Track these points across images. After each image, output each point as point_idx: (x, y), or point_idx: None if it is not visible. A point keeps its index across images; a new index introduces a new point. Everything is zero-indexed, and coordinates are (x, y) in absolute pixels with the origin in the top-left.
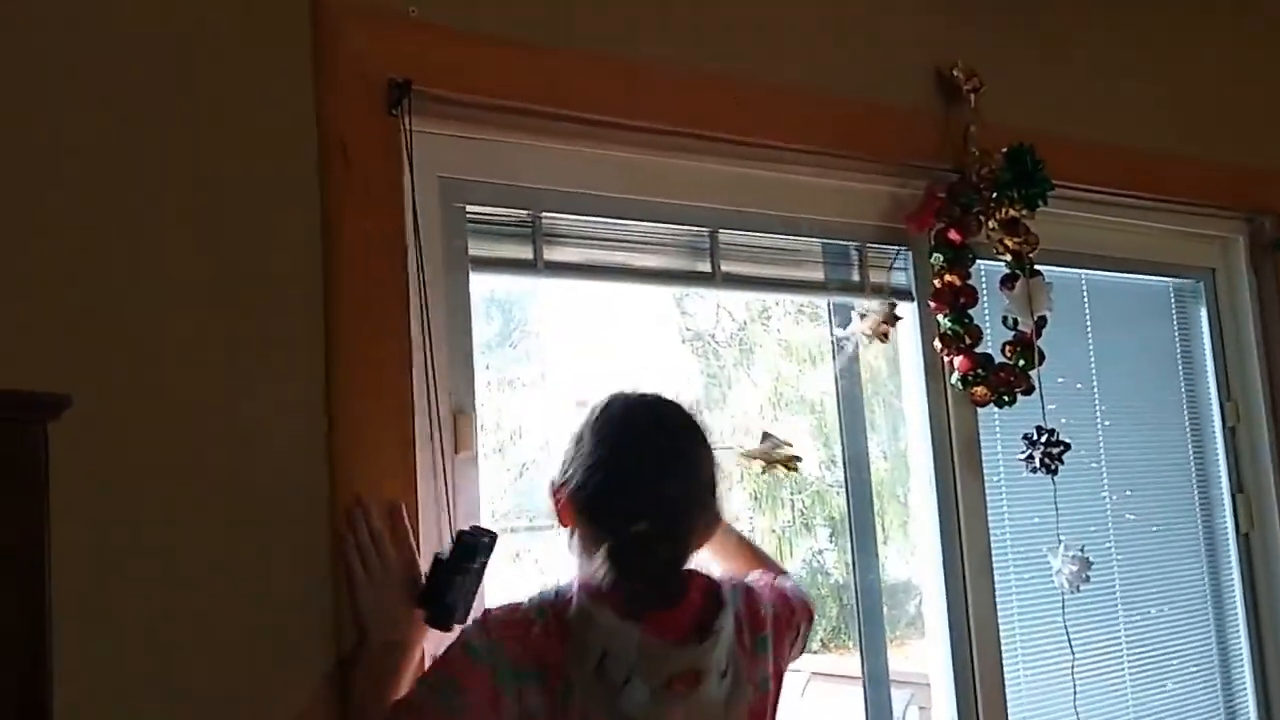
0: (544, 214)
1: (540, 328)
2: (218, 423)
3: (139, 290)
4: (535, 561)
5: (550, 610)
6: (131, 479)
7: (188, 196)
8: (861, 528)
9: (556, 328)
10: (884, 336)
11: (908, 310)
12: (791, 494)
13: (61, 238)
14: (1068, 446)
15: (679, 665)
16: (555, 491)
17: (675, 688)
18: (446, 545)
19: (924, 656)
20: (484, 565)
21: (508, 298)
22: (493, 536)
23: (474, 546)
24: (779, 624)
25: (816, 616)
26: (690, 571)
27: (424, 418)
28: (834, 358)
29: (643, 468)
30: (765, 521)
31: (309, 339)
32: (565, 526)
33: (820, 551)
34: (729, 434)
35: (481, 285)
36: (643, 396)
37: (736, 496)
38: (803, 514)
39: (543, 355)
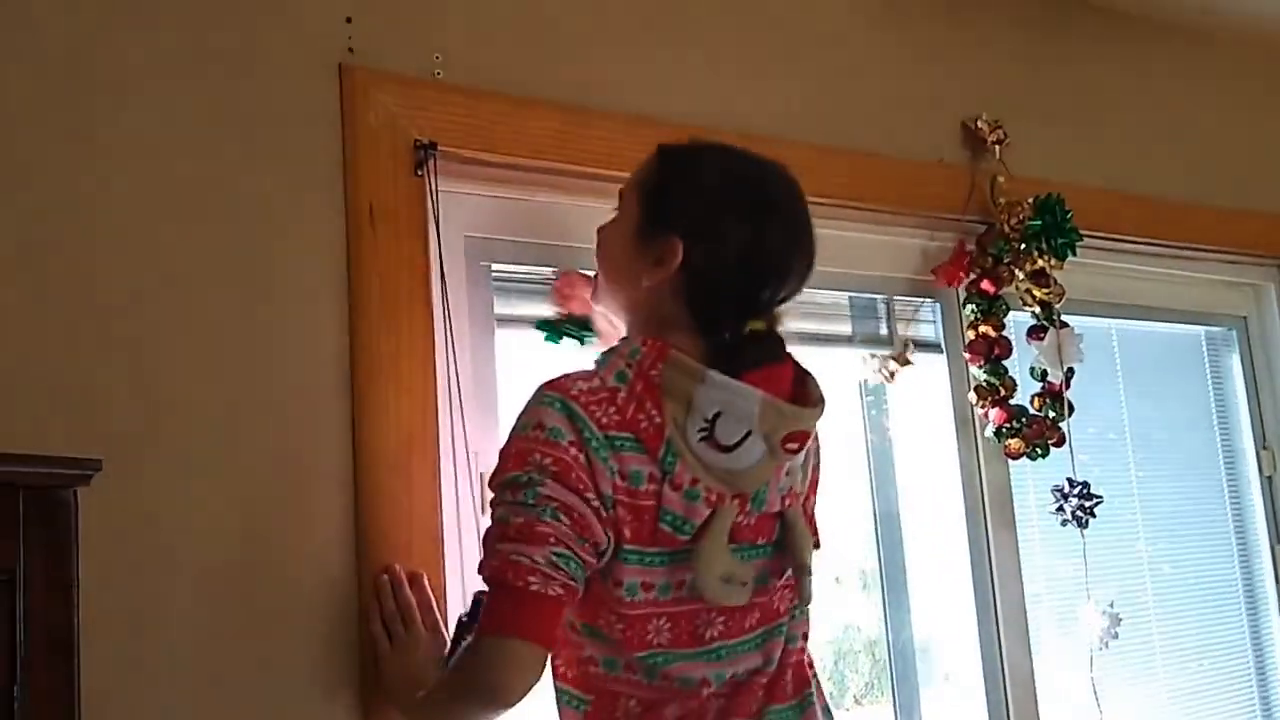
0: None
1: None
2: (246, 487)
3: (170, 353)
4: None
5: (633, 374)
6: (161, 543)
7: (218, 257)
8: (893, 582)
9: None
10: (890, 376)
11: (937, 363)
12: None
13: (95, 301)
14: (1100, 499)
15: (795, 424)
16: (662, 238)
17: (787, 445)
18: (467, 605)
19: (958, 712)
20: None
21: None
22: None
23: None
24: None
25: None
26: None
27: (450, 477)
28: (863, 411)
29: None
30: None
31: (336, 399)
32: (650, 275)
33: (849, 606)
34: None
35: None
36: (750, 157)
37: None
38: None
39: None
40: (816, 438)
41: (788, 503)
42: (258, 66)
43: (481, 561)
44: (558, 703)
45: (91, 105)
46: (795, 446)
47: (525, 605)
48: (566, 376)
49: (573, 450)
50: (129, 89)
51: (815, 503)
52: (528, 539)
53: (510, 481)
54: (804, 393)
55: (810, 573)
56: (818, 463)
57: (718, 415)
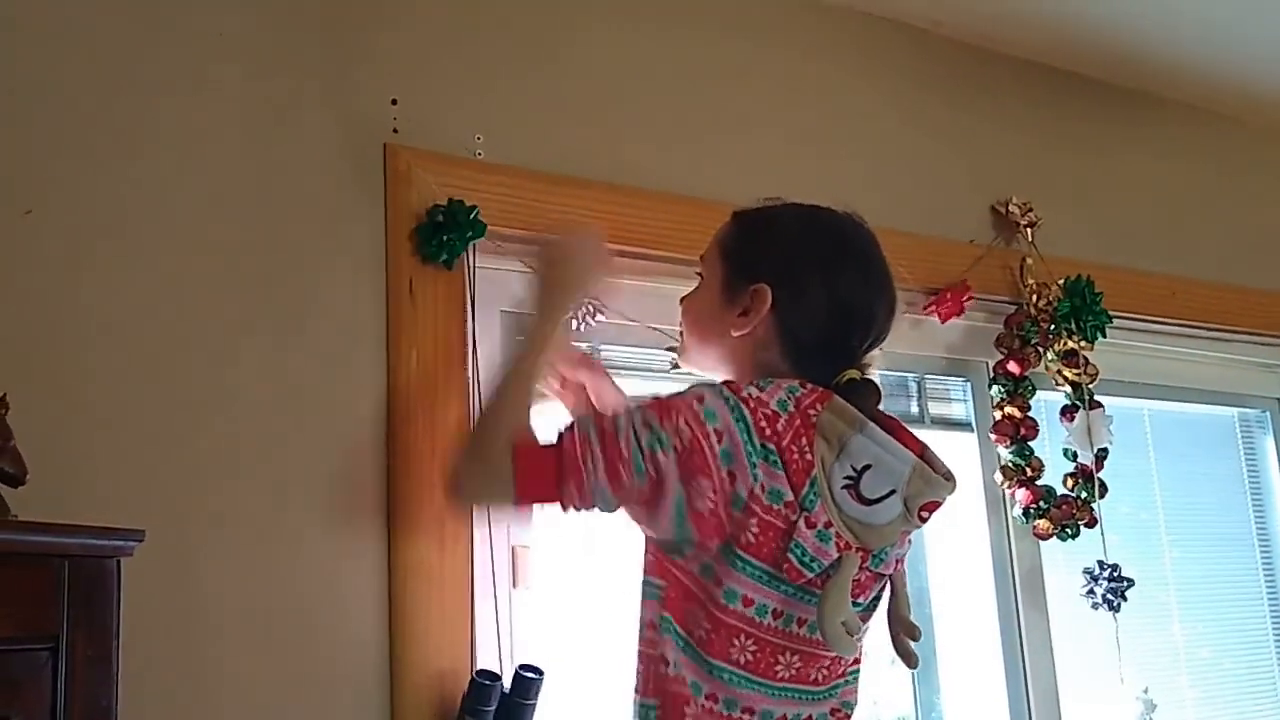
0: (603, 346)
1: None
2: (286, 558)
3: (211, 425)
4: None
5: (795, 406)
6: (203, 614)
7: (260, 328)
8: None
9: None
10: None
11: (968, 442)
12: None
13: (139, 371)
14: (1131, 582)
15: (936, 493)
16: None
17: (922, 513)
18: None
19: None
20: (535, 705)
21: None
22: (541, 674)
23: (528, 684)
24: None
25: None
26: None
27: (484, 552)
28: None
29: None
30: None
31: (372, 474)
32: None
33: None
34: None
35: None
36: (824, 208)
37: None
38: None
39: None
40: None
41: (898, 565)
42: (306, 144)
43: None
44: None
45: (141, 174)
46: (928, 515)
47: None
48: (737, 382)
49: (714, 439)
50: (178, 158)
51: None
52: (609, 459)
53: (645, 420)
54: (936, 462)
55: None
56: None
57: (867, 467)
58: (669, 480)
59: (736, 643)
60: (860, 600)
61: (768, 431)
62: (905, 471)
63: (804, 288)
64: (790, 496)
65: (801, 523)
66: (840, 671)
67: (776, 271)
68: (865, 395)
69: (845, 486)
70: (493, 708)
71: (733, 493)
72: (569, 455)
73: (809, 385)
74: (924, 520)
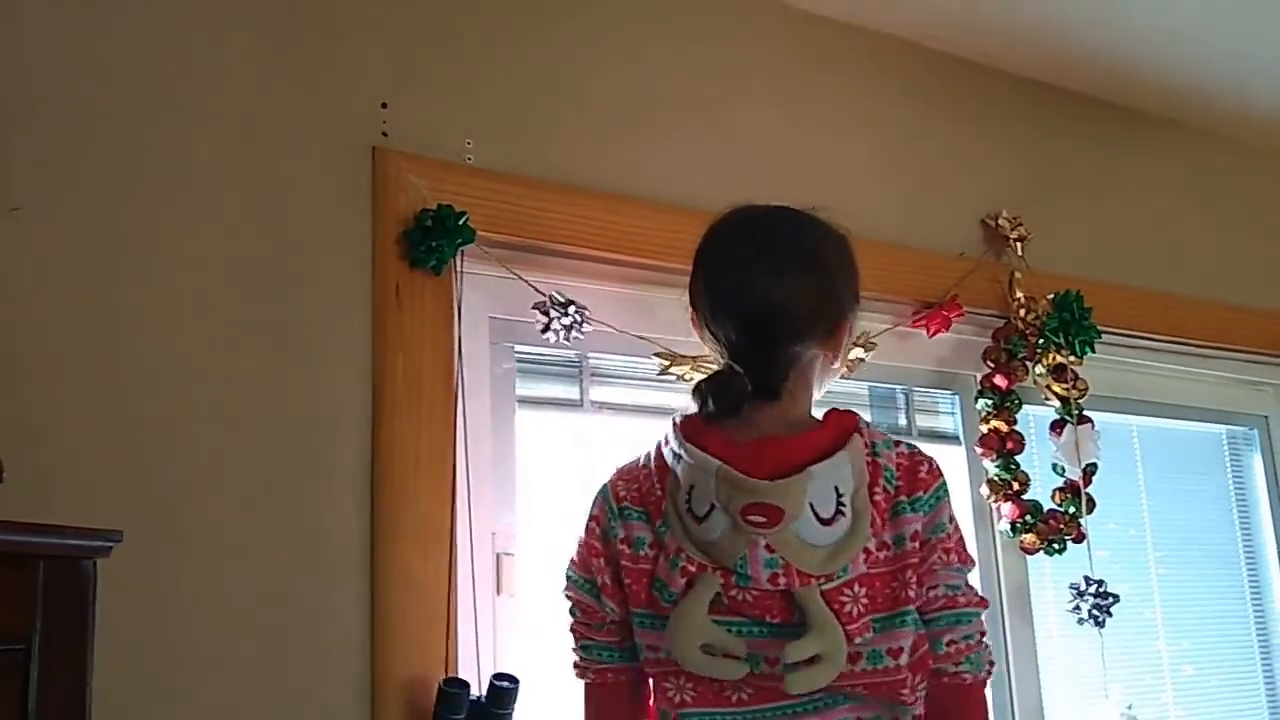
0: (590, 354)
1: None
2: (265, 564)
3: (193, 428)
4: None
5: (654, 452)
6: (180, 617)
7: (244, 330)
8: None
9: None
10: (849, 366)
11: (956, 455)
12: None
13: (119, 374)
14: (1116, 598)
15: (753, 497)
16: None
17: (749, 518)
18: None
19: None
20: (510, 714)
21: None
22: (516, 683)
23: (503, 694)
24: (939, 508)
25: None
26: (835, 410)
27: (466, 558)
28: None
29: (733, 267)
30: None
31: (356, 477)
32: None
33: None
34: None
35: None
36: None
37: None
38: None
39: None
40: (918, 517)
41: (785, 581)
42: (295, 148)
43: None
44: None
45: (130, 178)
46: (761, 520)
47: (584, 695)
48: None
49: (595, 531)
50: (168, 161)
51: (905, 592)
52: (572, 638)
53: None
54: (779, 460)
55: (824, 660)
56: (918, 547)
57: (693, 487)
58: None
59: (670, 686)
60: (768, 621)
61: (623, 493)
62: (710, 481)
63: (691, 299)
64: (651, 538)
65: (660, 557)
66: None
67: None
68: (705, 394)
69: (686, 508)
70: (462, 716)
71: (611, 563)
72: None
73: (677, 416)
74: (756, 525)
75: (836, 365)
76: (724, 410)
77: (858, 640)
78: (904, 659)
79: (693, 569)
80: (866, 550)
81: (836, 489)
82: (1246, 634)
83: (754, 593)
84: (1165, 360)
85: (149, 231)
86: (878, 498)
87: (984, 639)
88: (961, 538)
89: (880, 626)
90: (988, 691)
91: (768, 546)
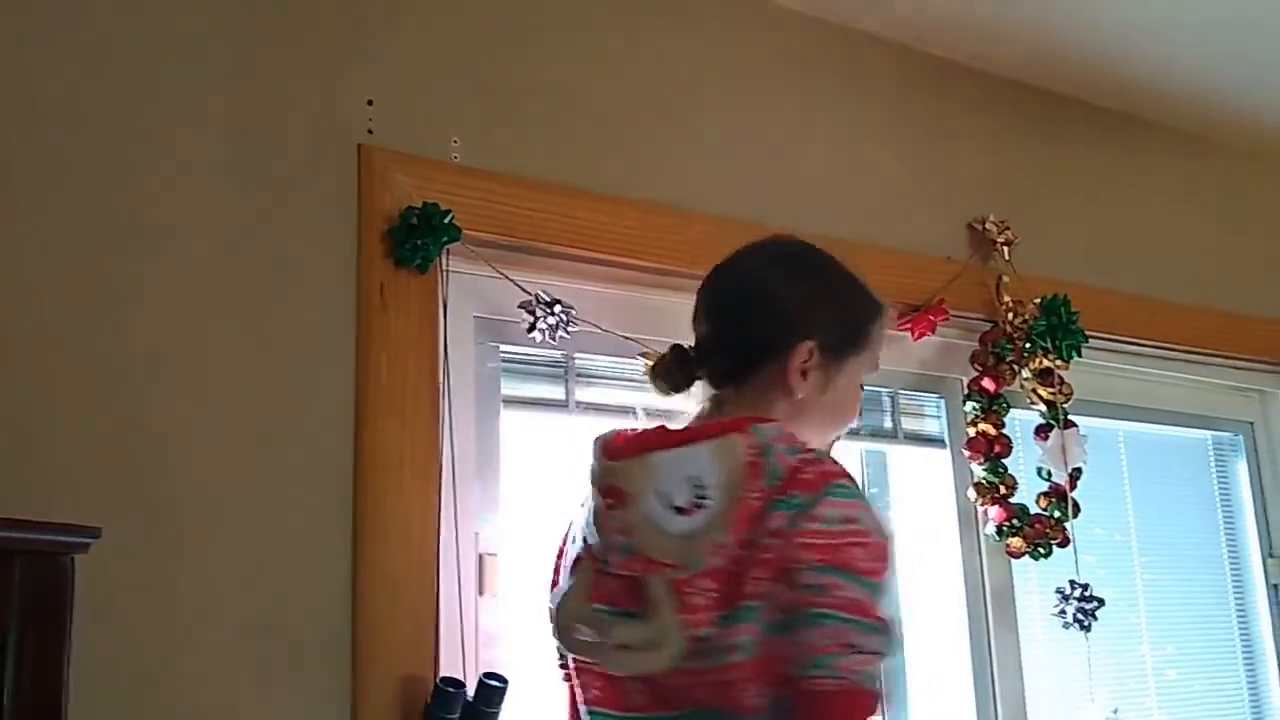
0: (577, 355)
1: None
2: (246, 562)
3: (174, 425)
4: None
5: None
6: (160, 615)
7: (228, 329)
8: (891, 680)
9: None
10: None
11: (941, 459)
12: None
13: (101, 370)
14: (1101, 602)
15: (606, 477)
16: None
17: (608, 500)
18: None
19: None
20: (499, 713)
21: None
22: (505, 682)
23: (492, 692)
24: (818, 507)
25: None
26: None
27: (451, 558)
28: None
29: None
30: None
31: (339, 477)
32: None
33: None
34: None
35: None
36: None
37: None
38: None
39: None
40: (775, 514)
41: (638, 567)
42: (280, 144)
43: None
44: None
45: (113, 174)
46: (611, 501)
47: None
48: None
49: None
50: (152, 158)
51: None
52: None
53: None
54: (645, 445)
55: (656, 648)
56: (777, 543)
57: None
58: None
59: (584, 681)
60: (621, 609)
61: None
62: (591, 461)
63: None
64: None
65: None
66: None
67: None
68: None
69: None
70: (456, 715)
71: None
72: None
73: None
74: (609, 506)
75: (795, 391)
76: (669, 384)
77: (699, 633)
78: (739, 656)
79: (582, 554)
80: (722, 545)
81: (692, 480)
82: (1230, 639)
83: (614, 577)
84: (1151, 365)
85: (133, 229)
86: (754, 497)
87: (854, 649)
88: (867, 549)
89: (723, 621)
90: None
91: (622, 530)
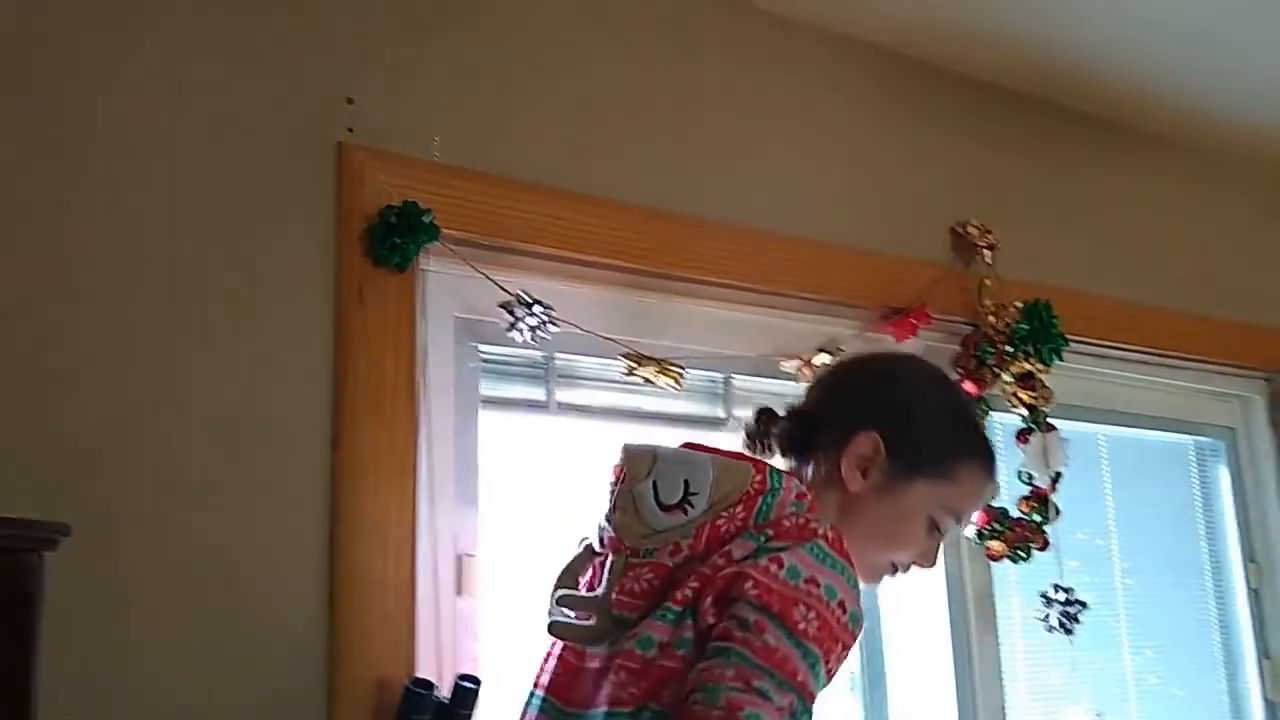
0: (558, 355)
1: (562, 473)
2: (220, 562)
3: (148, 423)
4: None
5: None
6: (129, 615)
7: (203, 327)
8: (874, 681)
9: (580, 474)
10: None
11: None
12: None
13: (74, 365)
14: (1085, 605)
15: (620, 461)
16: None
17: (614, 478)
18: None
19: None
20: (472, 715)
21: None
22: (479, 684)
23: (466, 694)
24: (781, 558)
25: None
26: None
27: (429, 559)
28: None
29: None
30: None
31: (315, 477)
32: None
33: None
34: None
35: (509, 428)
36: None
37: None
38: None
39: (563, 500)
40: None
41: (609, 543)
42: (259, 142)
43: None
44: None
45: (88, 170)
46: (613, 480)
47: None
48: None
49: None
50: (129, 155)
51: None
52: None
53: None
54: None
55: (591, 622)
56: (723, 564)
57: None
58: None
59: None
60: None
61: None
62: None
63: None
64: None
65: None
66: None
67: None
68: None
69: None
70: (428, 716)
71: None
72: None
73: None
74: (613, 483)
75: (848, 482)
76: (751, 444)
77: (618, 614)
78: (642, 649)
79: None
80: (680, 548)
81: (687, 483)
82: (1211, 644)
83: (599, 561)
84: (1133, 370)
85: (109, 224)
86: (733, 521)
87: (754, 691)
88: (818, 617)
89: (642, 610)
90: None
91: (613, 509)
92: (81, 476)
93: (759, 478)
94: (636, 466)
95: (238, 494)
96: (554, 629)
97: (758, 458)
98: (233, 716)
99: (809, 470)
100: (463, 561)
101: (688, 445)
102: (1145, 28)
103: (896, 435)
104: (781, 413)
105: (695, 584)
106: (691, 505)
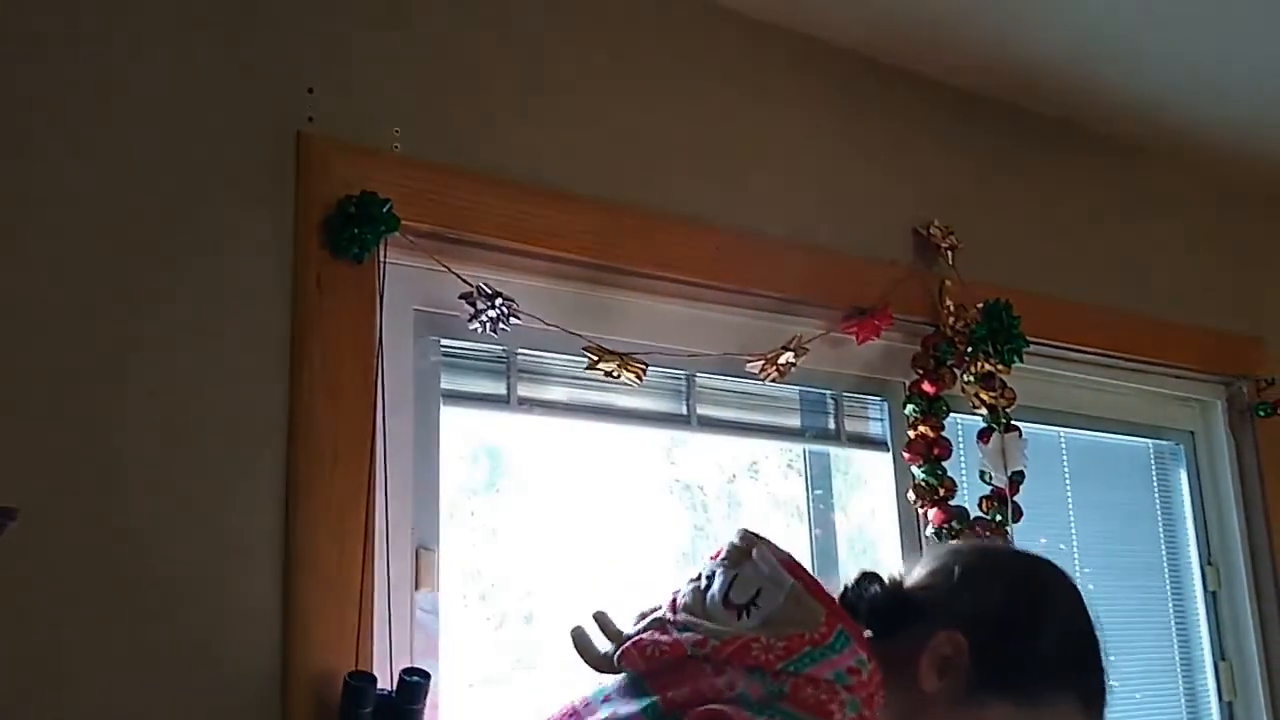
0: (519, 350)
1: (527, 476)
2: (170, 552)
3: (98, 409)
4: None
5: None
6: (74, 602)
7: (158, 313)
8: None
9: (543, 477)
10: (781, 370)
11: (884, 461)
12: None
13: (22, 350)
14: None
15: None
16: None
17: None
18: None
19: None
20: (421, 709)
21: (497, 444)
22: (427, 677)
23: (413, 688)
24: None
25: None
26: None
27: (385, 552)
28: (808, 505)
29: None
30: None
31: (271, 468)
32: None
33: None
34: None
35: (468, 430)
36: None
37: None
38: None
39: (529, 504)
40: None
41: (667, 600)
42: (217, 130)
43: None
44: None
45: (41, 155)
46: (713, 554)
47: None
48: None
49: None
50: (86, 140)
51: None
52: None
53: None
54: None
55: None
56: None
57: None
58: None
59: None
60: None
61: None
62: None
63: None
64: None
65: None
66: None
67: None
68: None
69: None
70: (369, 709)
71: None
72: None
73: None
74: (710, 556)
75: (921, 681)
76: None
77: (617, 655)
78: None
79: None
80: (706, 639)
81: (758, 592)
82: (1169, 646)
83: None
84: (1093, 373)
85: (60, 211)
86: (773, 651)
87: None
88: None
89: (635, 676)
90: None
91: (695, 579)
92: (31, 466)
93: (825, 629)
94: (734, 555)
95: (193, 486)
96: (574, 633)
97: (843, 613)
98: (184, 710)
99: (891, 651)
100: (420, 555)
101: (790, 562)
102: (1106, 30)
103: (993, 643)
104: (884, 579)
105: (685, 691)
106: (747, 615)
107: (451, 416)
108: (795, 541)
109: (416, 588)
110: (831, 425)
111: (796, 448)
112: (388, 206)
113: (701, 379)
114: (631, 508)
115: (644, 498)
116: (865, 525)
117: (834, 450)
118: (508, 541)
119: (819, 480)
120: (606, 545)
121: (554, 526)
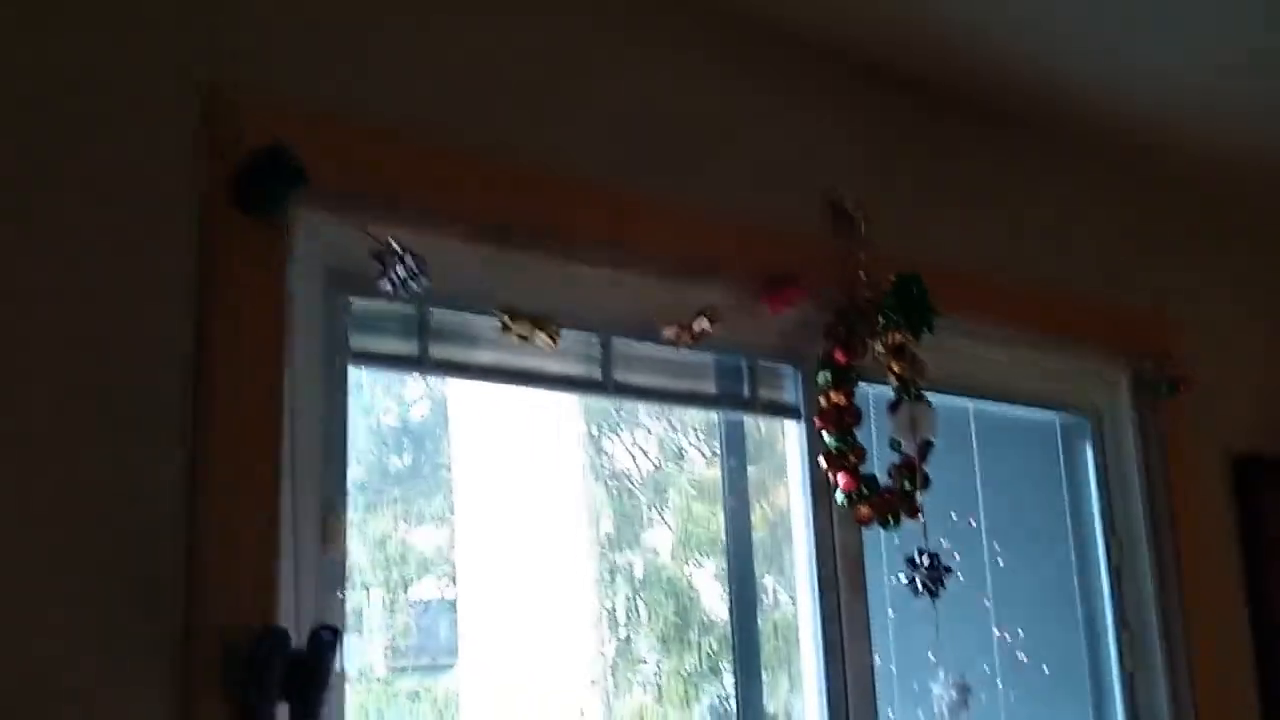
0: (432, 310)
1: (452, 463)
2: (76, 519)
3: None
4: (434, 701)
5: None
6: None
7: (57, 279)
8: (746, 651)
9: (468, 463)
10: (695, 337)
11: (794, 429)
12: (699, 635)
13: None
14: (950, 570)
15: None
16: None
17: None
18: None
19: None
20: (330, 666)
21: (420, 430)
22: (336, 634)
23: (323, 645)
24: None
25: None
26: None
27: (290, 513)
28: (723, 473)
29: None
30: (672, 664)
31: (177, 428)
32: None
33: (728, 697)
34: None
35: (392, 417)
36: None
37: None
38: (710, 656)
39: (454, 491)
40: None
41: None
42: (124, 77)
43: None
44: None
45: None
46: None
47: None
48: None
49: None
50: None
51: None
52: None
53: None
54: None
55: None
56: None
57: None
58: None
59: None
60: None
61: None
62: None
63: None
64: None
65: None
66: None
67: None
68: None
69: None
70: (276, 666)
71: None
72: None
73: None
74: None
75: None
76: None
77: None
78: None
79: None
80: None
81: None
82: (1074, 618)
83: None
84: (1003, 347)
85: None
86: None
87: None
88: None
89: None
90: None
91: None
92: None
93: None
94: None
95: (97, 448)
96: None
97: None
98: (88, 672)
99: None
100: (327, 516)
101: None
102: (1012, 5)
103: None
104: None
105: None
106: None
107: (379, 395)
108: (709, 510)
109: (324, 552)
110: (746, 393)
111: (717, 432)
112: (297, 161)
113: (617, 344)
114: (558, 495)
115: (571, 486)
116: (777, 493)
117: (747, 418)
118: (428, 522)
119: (734, 448)
120: (528, 530)
121: (476, 510)
